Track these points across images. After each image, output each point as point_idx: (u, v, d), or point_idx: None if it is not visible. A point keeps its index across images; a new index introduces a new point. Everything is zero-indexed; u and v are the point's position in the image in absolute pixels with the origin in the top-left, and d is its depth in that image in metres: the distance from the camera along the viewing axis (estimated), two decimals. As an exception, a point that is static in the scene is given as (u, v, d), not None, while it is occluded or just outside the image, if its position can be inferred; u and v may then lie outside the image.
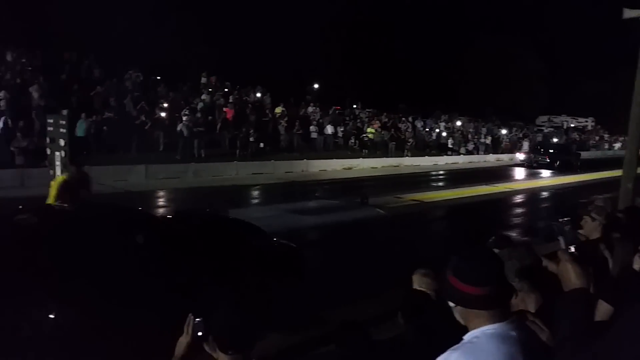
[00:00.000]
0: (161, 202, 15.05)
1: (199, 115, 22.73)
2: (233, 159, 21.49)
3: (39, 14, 27.54)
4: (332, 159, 25.40)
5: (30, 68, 21.26)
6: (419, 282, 3.32)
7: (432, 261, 3.26)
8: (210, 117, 23.45)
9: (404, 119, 36.61)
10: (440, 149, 34.89)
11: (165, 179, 18.02)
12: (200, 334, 2.44)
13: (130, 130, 19.61)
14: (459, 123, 41.31)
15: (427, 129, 37.16)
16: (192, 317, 2.47)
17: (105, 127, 18.99)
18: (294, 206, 13.91)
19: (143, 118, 20.68)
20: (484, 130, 42.07)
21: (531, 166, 31.83)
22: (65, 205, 6.07)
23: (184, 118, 21.37)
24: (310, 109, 29.90)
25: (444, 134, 37.00)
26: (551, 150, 33.61)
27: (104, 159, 16.88)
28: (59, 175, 6.20)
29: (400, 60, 48.60)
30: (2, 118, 16.99)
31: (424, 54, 49.68)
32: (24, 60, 21.71)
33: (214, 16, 39.49)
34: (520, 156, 35.79)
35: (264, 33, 38.69)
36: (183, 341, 2.46)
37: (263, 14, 39.76)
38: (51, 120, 8.81)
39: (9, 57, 21.34)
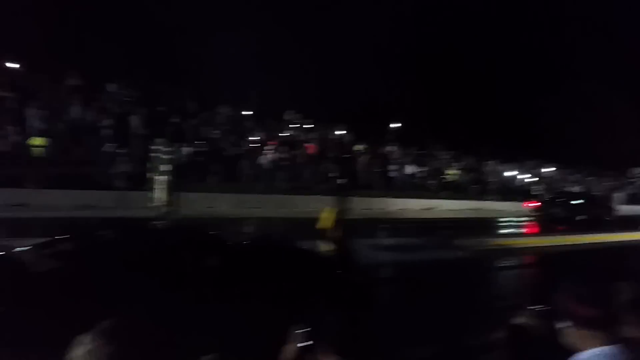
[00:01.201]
0: (242, 229, 15.54)
1: (282, 149, 23.51)
2: (313, 192, 21.94)
3: (140, 50, 29.83)
4: (410, 198, 25.28)
5: (130, 99, 22.95)
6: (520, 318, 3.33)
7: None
8: (292, 152, 24.20)
9: (486, 162, 35.91)
10: (524, 195, 33.77)
11: (249, 209, 18.66)
12: (304, 344, 2.60)
13: (219, 161, 20.59)
14: (545, 170, 39.95)
15: (511, 174, 36.19)
16: (297, 326, 2.65)
17: (196, 157, 20.05)
18: (372, 242, 13.95)
19: (231, 150, 21.69)
20: (571, 178, 40.39)
21: (545, 220, 24.21)
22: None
23: (268, 151, 22.19)
24: (390, 148, 30.07)
25: (529, 179, 35.87)
26: (572, 202, 25.77)
27: (195, 187, 17.78)
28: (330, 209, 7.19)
29: (485, 102, 47.97)
30: (105, 144, 18.40)
31: (511, 97, 48.77)
32: (125, 91, 23.49)
33: (298, 55, 41.01)
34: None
35: (347, 71, 39.67)
36: (291, 348, 2.63)
37: (346, 53, 40.85)
38: (156, 147, 9.51)
39: (112, 89, 23.17)
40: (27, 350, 4.51)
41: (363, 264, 8.00)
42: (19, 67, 21.37)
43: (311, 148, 25.50)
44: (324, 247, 7.18)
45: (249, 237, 7.83)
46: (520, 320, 3.35)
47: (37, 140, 17.39)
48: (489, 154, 38.29)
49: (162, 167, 9.30)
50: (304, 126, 28.14)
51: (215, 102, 25.24)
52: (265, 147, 22.91)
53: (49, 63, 22.00)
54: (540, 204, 26.36)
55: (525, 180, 35.70)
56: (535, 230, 21.78)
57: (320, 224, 7.08)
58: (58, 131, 18.63)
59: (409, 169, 27.95)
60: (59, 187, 16.11)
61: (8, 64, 21.10)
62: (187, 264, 5.55)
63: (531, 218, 25.03)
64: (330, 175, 23.67)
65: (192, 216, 14.01)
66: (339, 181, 23.82)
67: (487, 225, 21.73)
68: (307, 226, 7.13)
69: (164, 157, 9.34)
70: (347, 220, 7.28)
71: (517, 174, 36.66)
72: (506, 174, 35.59)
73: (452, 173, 29.96)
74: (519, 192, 33.66)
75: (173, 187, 9.41)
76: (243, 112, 26.63)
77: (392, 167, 27.26)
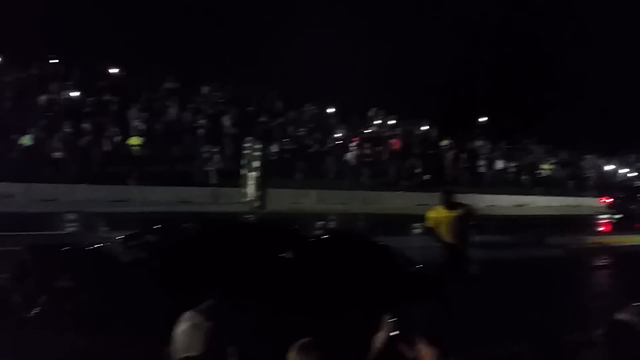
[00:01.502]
0: (326, 224, 15.77)
1: (367, 145, 23.58)
2: (398, 189, 21.83)
3: (230, 52, 30.95)
4: (501, 194, 24.45)
5: (222, 100, 23.95)
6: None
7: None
8: (377, 148, 24.19)
9: (584, 155, 33.95)
10: (629, 191, 31.56)
11: (334, 205, 18.89)
12: (394, 333, 2.68)
13: (305, 158, 21.03)
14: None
15: (611, 168, 34.00)
16: (388, 316, 2.73)
17: (284, 154, 20.60)
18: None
19: (316, 147, 22.07)
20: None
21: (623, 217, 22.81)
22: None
23: (353, 148, 22.36)
24: (478, 143, 29.23)
25: (630, 174, 33.54)
26: None
27: (282, 183, 18.28)
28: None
29: (582, 93, 45.18)
30: (205, 145, 19.33)
31: (610, 87, 45.63)
32: (217, 93, 24.54)
33: (382, 51, 40.74)
34: None
35: (431, 65, 38.90)
36: (381, 336, 2.71)
37: (430, 47, 40.05)
38: (248, 145, 9.91)
39: (205, 91, 24.30)
40: (126, 332, 4.94)
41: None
42: (119, 72, 22.92)
43: (396, 144, 25.37)
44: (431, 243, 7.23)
45: (328, 231, 7.99)
46: (623, 316, 3.23)
47: (135, 140, 18.60)
48: (587, 147, 36.14)
49: (253, 165, 9.68)
50: (388, 122, 28.04)
51: (301, 100, 25.76)
52: (349, 144, 23.09)
53: (147, 67, 23.43)
54: (613, 200, 25.52)
55: (628, 175, 33.39)
56: (609, 228, 20.45)
57: (428, 223, 7.18)
58: (156, 131, 19.85)
59: (499, 164, 27.03)
60: (158, 183, 17.13)
61: (110, 70, 22.70)
62: (269, 256, 5.83)
63: (608, 215, 24.04)
64: (415, 171, 23.42)
65: (279, 211, 14.44)
66: (424, 177, 23.58)
67: (584, 222, 20.60)
68: (393, 222, 7.13)
69: (254, 154, 9.71)
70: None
71: (617, 169, 34.37)
72: (606, 168, 33.46)
73: (546, 168, 28.62)
74: (618, 188, 31.53)
75: (262, 184, 9.76)
76: (328, 110, 26.96)
77: (480, 162, 26.50)
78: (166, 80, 23.27)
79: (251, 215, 10.09)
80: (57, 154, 16.71)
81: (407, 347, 2.71)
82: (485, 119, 36.85)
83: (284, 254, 5.96)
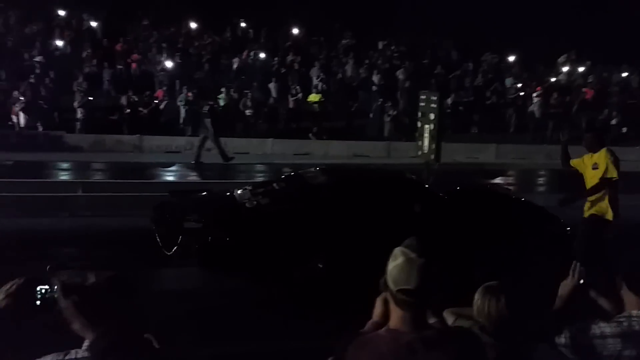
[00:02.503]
0: (500, 180, 15.13)
1: (553, 96, 21.77)
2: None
3: (402, 4, 30.41)
4: None
5: (397, 54, 23.87)
6: None
7: None
8: (565, 98, 22.20)
9: None
10: None
11: (514, 159, 17.99)
12: (582, 281, 2.64)
13: (482, 110, 20.20)
14: None
15: None
16: (578, 262, 2.68)
17: (460, 107, 20.04)
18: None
19: (497, 98, 21.01)
20: None
21: None
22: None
23: (538, 98, 20.82)
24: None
25: None
26: None
27: (458, 137, 17.89)
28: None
29: None
30: (380, 100, 19.67)
31: None
32: (392, 47, 24.49)
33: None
34: None
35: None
36: (568, 284, 2.68)
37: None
38: (424, 97, 9.93)
39: (380, 46, 24.43)
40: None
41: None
42: (299, 33, 24.04)
43: (588, 93, 23.00)
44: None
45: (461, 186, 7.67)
46: None
47: (314, 97, 19.56)
48: None
49: (427, 118, 9.69)
50: (579, 69, 25.45)
51: (479, 49, 24.55)
52: (534, 94, 21.52)
53: (327, 25, 24.22)
54: None
55: None
56: None
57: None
58: (334, 88, 20.64)
59: None
60: (336, 138, 17.96)
61: (293, 30, 23.94)
62: (393, 209, 5.90)
63: None
64: (612, 123, 21.10)
65: (452, 164, 14.26)
66: (622, 130, 21.12)
67: None
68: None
69: (429, 107, 9.69)
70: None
71: None
72: None
73: None
74: None
75: (437, 137, 9.74)
76: (508, 58, 25.33)
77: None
78: (343, 37, 23.89)
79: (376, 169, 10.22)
80: (248, 112, 18.35)
81: (599, 295, 2.67)
82: None
83: (408, 207, 5.93)
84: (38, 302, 1.63)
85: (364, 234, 5.57)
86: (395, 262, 1.80)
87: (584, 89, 23.18)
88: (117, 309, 1.58)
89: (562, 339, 2.45)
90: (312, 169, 7.16)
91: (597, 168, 6.05)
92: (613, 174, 5.98)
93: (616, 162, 6.01)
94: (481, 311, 2.54)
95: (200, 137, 15.10)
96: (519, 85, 22.60)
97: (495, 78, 22.76)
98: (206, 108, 14.95)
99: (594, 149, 6.15)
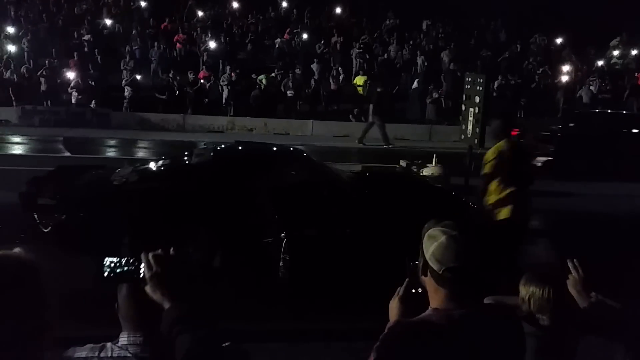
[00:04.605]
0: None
1: (604, 80, 20.97)
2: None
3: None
4: None
5: (442, 35, 23.38)
6: None
7: None
8: (617, 83, 21.35)
9: None
10: None
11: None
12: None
13: (532, 94, 19.67)
14: None
15: None
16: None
17: (507, 91, 19.54)
18: None
19: (543, 82, 20.38)
20: None
21: None
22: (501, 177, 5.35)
23: (587, 83, 20.10)
24: None
25: None
26: None
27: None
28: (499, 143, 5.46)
29: None
30: (416, 80, 19.39)
31: None
32: (438, 27, 23.98)
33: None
34: None
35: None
36: (576, 281, 2.58)
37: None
38: (469, 79, 9.70)
39: (424, 26, 23.96)
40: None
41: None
42: (342, 13, 23.76)
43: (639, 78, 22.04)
44: None
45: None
46: None
47: (360, 80, 19.40)
48: None
49: (473, 101, 9.49)
50: (632, 53, 24.36)
51: (527, 31, 23.79)
52: (583, 78, 20.77)
53: (370, 5, 23.87)
54: None
55: None
56: None
57: None
58: (378, 69, 20.43)
59: None
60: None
61: (337, 10, 23.71)
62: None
63: None
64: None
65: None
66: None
67: None
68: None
69: (475, 90, 9.48)
70: None
71: None
72: None
73: None
74: None
75: (482, 121, 9.53)
76: (558, 40, 24.45)
77: None
78: (387, 17, 23.55)
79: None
80: (290, 93, 18.37)
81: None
82: None
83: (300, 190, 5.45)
84: (105, 275, 1.67)
85: (237, 216, 5.29)
86: (437, 242, 1.78)
87: (636, 74, 22.22)
88: (186, 282, 1.67)
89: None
90: (208, 146, 6.92)
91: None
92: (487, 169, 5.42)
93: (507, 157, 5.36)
94: (527, 300, 2.51)
95: (368, 122, 15.97)
96: (569, 68, 21.83)
97: (544, 61, 22.06)
98: (373, 92, 15.87)
99: (499, 137, 5.57)
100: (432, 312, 1.83)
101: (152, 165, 6.49)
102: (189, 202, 5.41)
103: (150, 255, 1.64)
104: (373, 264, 4.87)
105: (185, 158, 6.53)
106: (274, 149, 6.99)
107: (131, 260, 1.67)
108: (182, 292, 1.62)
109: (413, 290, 1.98)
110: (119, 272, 1.67)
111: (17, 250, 1.37)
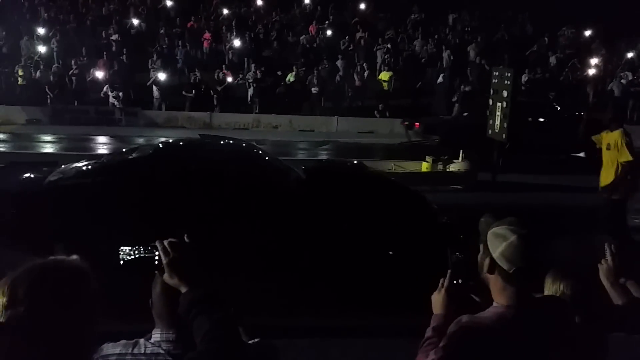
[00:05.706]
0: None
1: (636, 72, 20.46)
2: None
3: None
4: None
5: (469, 29, 23.11)
6: None
7: None
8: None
9: None
10: None
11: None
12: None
13: (557, 87, 19.31)
14: None
15: None
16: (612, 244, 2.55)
17: (535, 85, 19.24)
18: None
19: (571, 75, 20.03)
20: None
21: None
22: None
23: (618, 76, 19.65)
24: None
25: None
26: None
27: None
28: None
29: None
30: (442, 75, 19.20)
31: None
32: (464, 21, 23.71)
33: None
34: None
35: None
36: (609, 268, 2.52)
37: None
38: (497, 73, 9.59)
39: (450, 20, 23.73)
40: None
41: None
42: (366, 8, 23.67)
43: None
44: None
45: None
46: None
47: (385, 75, 19.30)
48: None
49: (500, 96, 9.38)
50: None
51: (555, 24, 23.35)
52: (613, 72, 20.31)
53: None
54: None
55: None
56: None
57: None
58: (402, 65, 20.30)
59: None
60: (401, 116, 17.54)
61: (361, 5, 23.62)
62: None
63: None
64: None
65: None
66: None
67: None
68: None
69: (502, 84, 9.37)
70: None
71: None
72: None
73: None
74: None
75: (509, 115, 9.42)
76: (587, 33, 23.95)
77: None
78: (412, 12, 23.38)
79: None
80: (314, 90, 18.38)
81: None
82: None
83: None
84: (122, 262, 1.71)
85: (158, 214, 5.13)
86: (507, 241, 1.79)
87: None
88: (201, 267, 1.70)
89: None
90: (160, 142, 6.69)
91: (609, 149, 6.11)
92: (627, 157, 6.01)
93: (630, 144, 6.03)
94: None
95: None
96: (598, 61, 21.39)
97: (573, 54, 21.64)
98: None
99: (611, 127, 6.17)
100: (502, 309, 1.84)
101: (92, 161, 6.35)
102: (116, 197, 5.33)
103: (166, 242, 1.67)
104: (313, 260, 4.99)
105: (127, 154, 6.39)
106: (221, 142, 6.67)
107: (148, 248, 1.71)
108: (197, 277, 1.65)
109: (455, 282, 2.00)
110: (134, 258, 1.70)
111: (74, 257, 1.46)
